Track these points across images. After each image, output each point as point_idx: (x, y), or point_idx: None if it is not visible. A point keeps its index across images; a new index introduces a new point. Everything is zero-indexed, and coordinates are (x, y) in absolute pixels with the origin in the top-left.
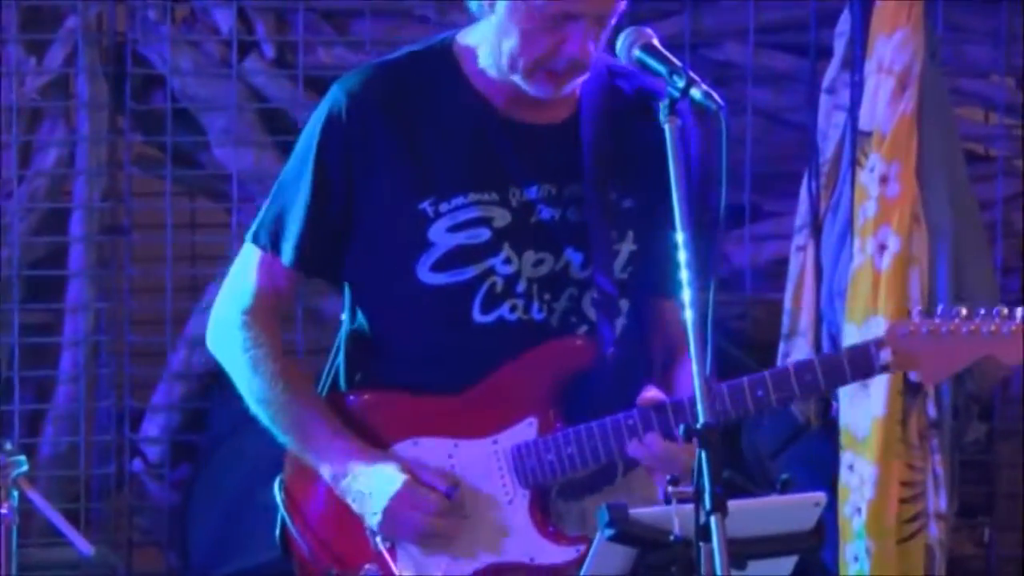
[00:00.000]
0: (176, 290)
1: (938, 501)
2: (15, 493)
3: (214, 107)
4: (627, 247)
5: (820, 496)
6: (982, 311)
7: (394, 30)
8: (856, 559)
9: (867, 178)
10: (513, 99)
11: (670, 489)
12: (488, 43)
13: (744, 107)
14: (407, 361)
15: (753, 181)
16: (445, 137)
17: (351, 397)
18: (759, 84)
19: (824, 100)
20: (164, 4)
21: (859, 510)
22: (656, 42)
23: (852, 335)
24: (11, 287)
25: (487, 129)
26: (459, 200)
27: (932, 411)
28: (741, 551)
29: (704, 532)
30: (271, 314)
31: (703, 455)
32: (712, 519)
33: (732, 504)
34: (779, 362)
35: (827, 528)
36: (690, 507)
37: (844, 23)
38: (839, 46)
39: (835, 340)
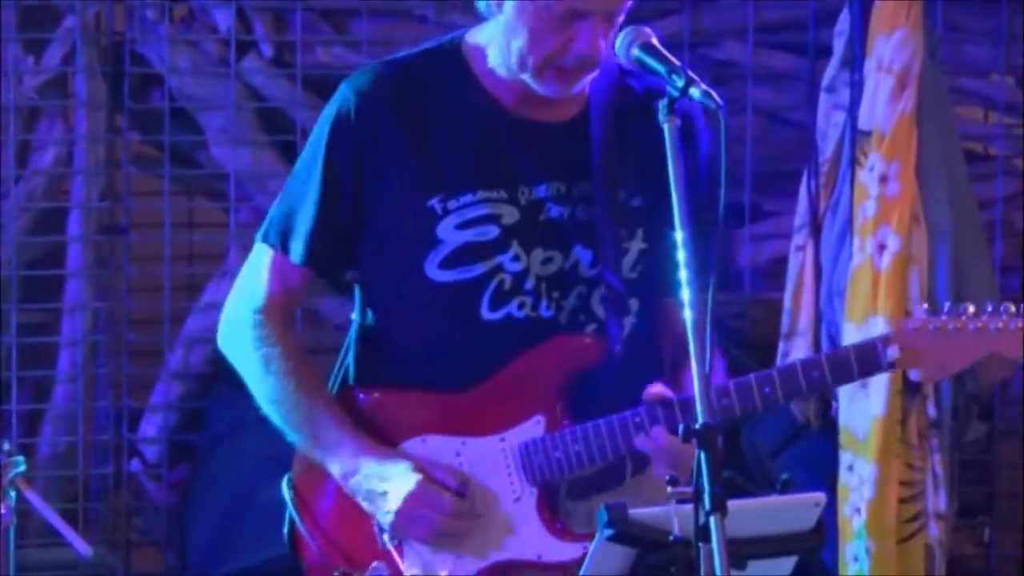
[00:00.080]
0: (174, 289)
1: (938, 501)
2: (13, 493)
3: (212, 106)
4: (636, 246)
5: (820, 496)
6: (989, 308)
7: (392, 29)
8: (856, 559)
9: (867, 177)
10: (522, 98)
11: (669, 489)
12: (497, 43)
13: (743, 106)
14: (416, 359)
15: (753, 180)
16: (454, 135)
17: (360, 395)
18: (758, 83)
19: (823, 99)
20: (162, 3)
21: (859, 510)
22: (655, 41)
23: (852, 334)
24: (9, 287)
25: (496, 127)
26: (468, 197)
27: (932, 411)
28: (741, 551)
29: (704, 532)
30: (282, 313)
31: (703, 455)
32: (712, 519)
33: (732, 504)
34: (778, 362)
35: (827, 528)
36: (690, 507)
37: (843, 22)
38: (838, 45)
39: (834, 340)
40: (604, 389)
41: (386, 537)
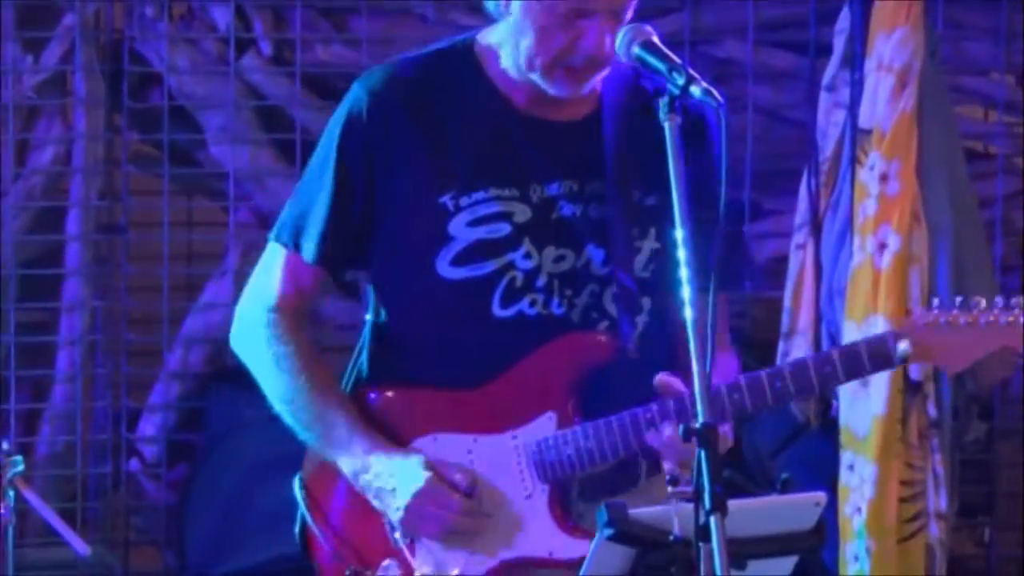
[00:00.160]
0: (173, 289)
1: (938, 500)
2: (11, 493)
3: (211, 105)
4: (649, 244)
5: (820, 496)
6: (1000, 302)
7: (392, 27)
8: (856, 559)
9: (867, 176)
10: (534, 98)
11: (670, 489)
12: (507, 44)
13: (744, 104)
14: (428, 356)
15: (753, 179)
16: (466, 134)
17: (372, 394)
18: (759, 81)
19: (824, 98)
20: (161, 1)
21: (859, 509)
22: (656, 39)
23: (852, 334)
24: (7, 286)
25: (508, 126)
26: (479, 195)
27: (932, 410)
28: (741, 551)
29: (704, 532)
30: (295, 312)
31: (702, 455)
32: (712, 519)
33: (732, 504)
34: (778, 361)
35: (827, 528)
36: (690, 507)
37: (844, 20)
38: (839, 43)
39: (834, 339)
40: (616, 387)
41: (397, 535)
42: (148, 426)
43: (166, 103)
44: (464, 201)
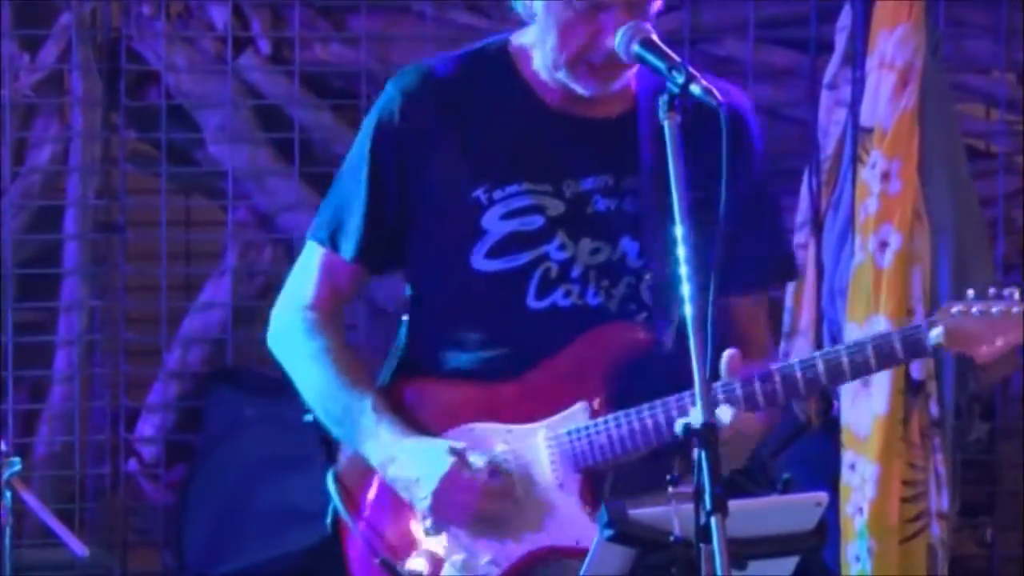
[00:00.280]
0: (171, 288)
1: (940, 500)
2: (9, 494)
3: (209, 104)
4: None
5: (822, 496)
6: None
7: (391, 26)
8: (858, 559)
9: (868, 175)
10: (567, 97)
11: (671, 489)
12: (537, 44)
13: None
14: (464, 350)
15: None
16: (499, 131)
17: (407, 387)
18: (759, 80)
19: (825, 96)
20: (159, 0)
21: (861, 509)
22: (655, 37)
23: (853, 334)
24: (5, 285)
25: (542, 123)
26: (512, 188)
27: (934, 410)
28: (742, 551)
29: (704, 532)
30: (330, 310)
31: (703, 455)
32: (712, 519)
33: (733, 504)
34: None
35: (828, 528)
36: (690, 507)
37: (845, 18)
38: (840, 41)
39: (836, 339)
40: (651, 379)
41: (427, 524)
42: (146, 426)
43: (164, 102)
44: (497, 194)
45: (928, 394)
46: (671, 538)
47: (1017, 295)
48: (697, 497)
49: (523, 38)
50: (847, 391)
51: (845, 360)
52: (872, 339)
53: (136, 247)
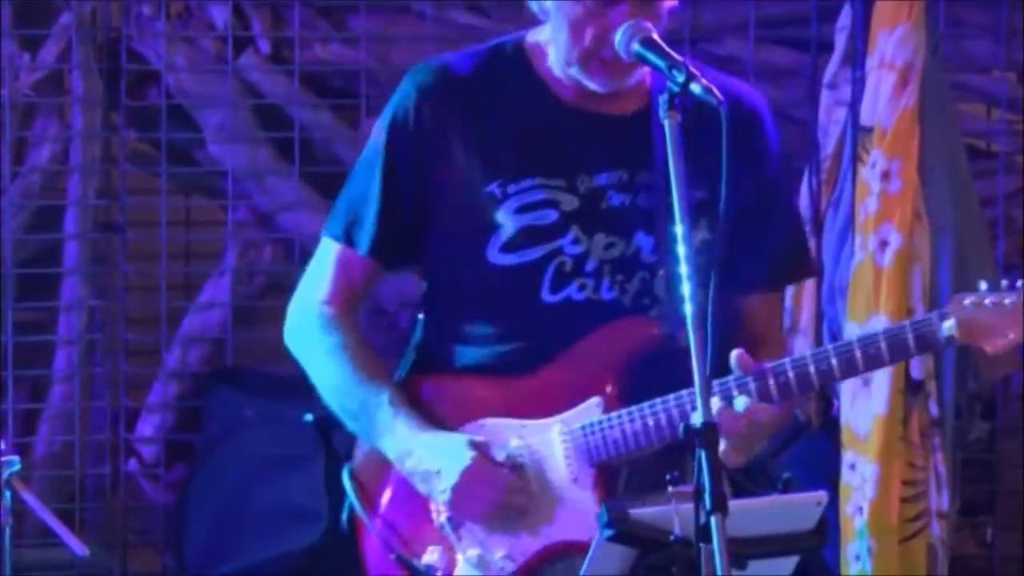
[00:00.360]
0: (171, 288)
1: (940, 500)
2: (9, 493)
3: (209, 104)
4: (699, 234)
5: (822, 495)
6: None
7: (390, 25)
8: (858, 558)
9: (868, 174)
10: (581, 93)
11: (671, 489)
12: (550, 42)
13: None
14: (479, 345)
15: None
16: (514, 127)
17: (423, 383)
18: (759, 79)
19: (825, 95)
20: (159, 0)
21: (861, 509)
22: (656, 36)
23: (853, 333)
24: (5, 285)
25: (557, 119)
26: (527, 183)
27: (934, 409)
28: (742, 551)
29: (704, 532)
30: (346, 306)
31: (703, 455)
32: (713, 519)
33: (733, 504)
34: None
35: (828, 527)
36: (691, 507)
37: (845, 17)
38: (840, 41)
39: (836, 338)
40: (665, 374)
41: (443, 520)
42: (146, 426)
43: (164, 101)
44: (512, 189)
45: (928, 393)
46: (671, 538)
47: None
48: (697, 497)
49: (539, 35)
50: (847, 391)
51: (858, 353)
52: (885, 332)
53: (136, 247)
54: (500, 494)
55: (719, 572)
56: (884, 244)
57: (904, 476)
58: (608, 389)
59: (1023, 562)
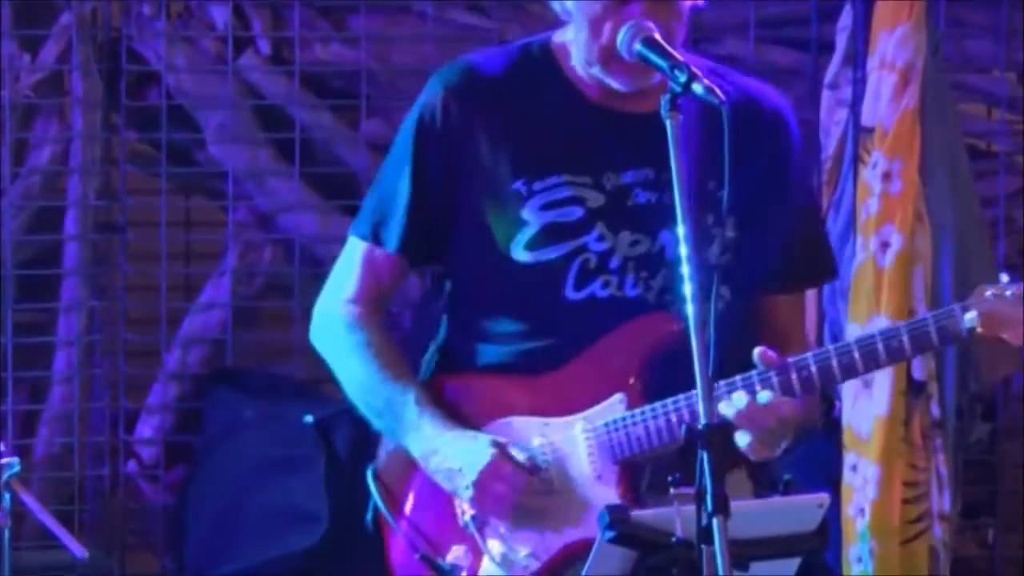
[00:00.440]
0: (171, 289)
1: (942, 501)
2: (8, 495)
3: (209, 104)
4: (724, 232)
5: (823, 497)
6: None
7: (391, 25)
8: (859, 560)
9: (869, 175)
10: (606, 92)
11: (672, 491)
12: (573, 42)
13: None
14: (503, 343)
15: None
16: (540, 124)
17: (447, 381)
18: (760, 79)
19: (826, 95)
20: (159, 0)
21: (862, 511)
22: (657, 36)
23: (854, 335)
24: (4, 286)
25: (583, 117)
26: (553, 180)
27: (935, 411)
28: (743, 553)
29: (706, 534)
30: (372, 304)
31: (705, 456)
32: (714, 521)
33: (734, 505)
34: None
35: (830, 529)
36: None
37: (846, 17)
38: (841, 41)
39: (837, 339)
40: (689, 371)
41: (467, 518)
42: (146, 428)
43: (164, 102)
44: (537, 186)
45: (929, 395)
46: (672, 540)
47: None
48: (699, 498)
49: (564, 36)
50: (848, 392)
51: (880, 346)
52: (907, 325)
53: (136, 247)
54: (518, 494)
55: (721, 574)
56: (885, 245)
57: (905, 477)
58: (631, 386)
59: None
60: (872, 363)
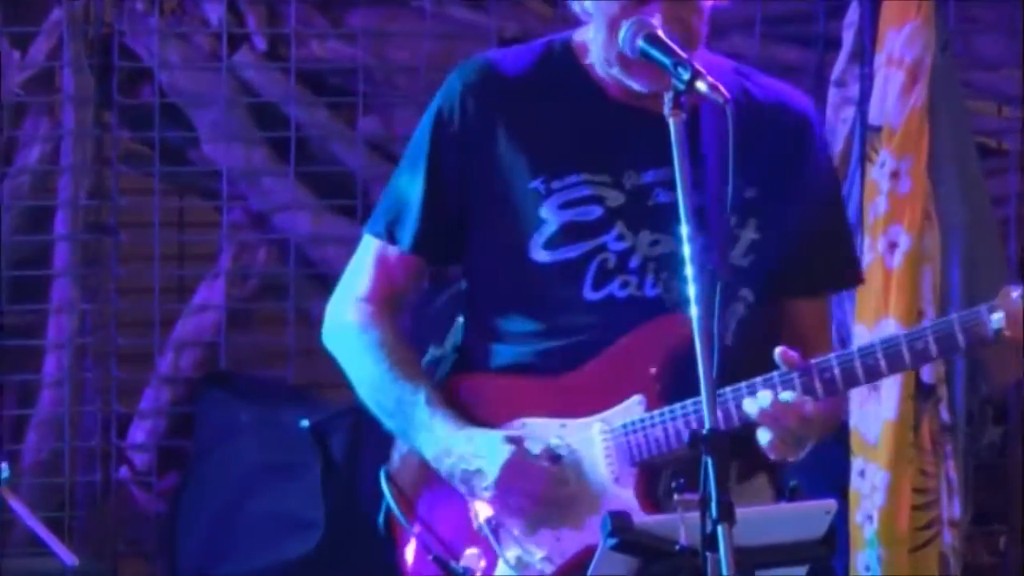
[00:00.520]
0: (164, 291)
1: (952, 508)
2: None
3: (203, 102)
4: (748, 234)
5: (830, 503)
6: None
7: (388, 21)
8: (868, 568)
9: (877, 174)
10: (627, 91)
11: (676, 496)
12: (593, 42)
13: None
14: (520, 343)
15: None
16: (560, 123)
17: (462, 382)
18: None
19: (833, 93)
20: None
21: (870, 517)
22: (661, 33)
23: (862, 336)
24: None
25: (604, 116)
26: (571, 179)
27: (945, 415)
28: (749, 560)
29: (711, 541)
30: (385, 303)
31: (710, 462)
32: (719, 528)
33: (740, 512)
34: None
35: (838, 536)
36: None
37: (853, 14)
38: (848, 38)
39: (844, 341)
40: None
41: (482, 521)
42: (138, 433)
43: (157, 100)
44: (556, 184)
45: (939, 399)
46: (676, 547)
47: None
48: (704, 505)
49: (585, 35)
50: (855, 396)
51: (905, 349)
52: (932, 326)
53: (128, 248)
54: (541, 485)
55: None
56: (893, 246)
57: (915, 483)
58: (650, 387)
59: None
60: (897, 366)
